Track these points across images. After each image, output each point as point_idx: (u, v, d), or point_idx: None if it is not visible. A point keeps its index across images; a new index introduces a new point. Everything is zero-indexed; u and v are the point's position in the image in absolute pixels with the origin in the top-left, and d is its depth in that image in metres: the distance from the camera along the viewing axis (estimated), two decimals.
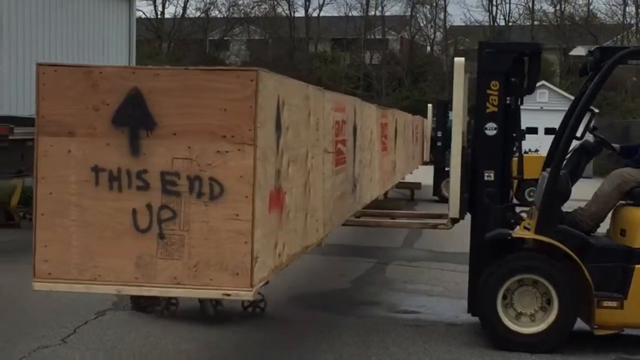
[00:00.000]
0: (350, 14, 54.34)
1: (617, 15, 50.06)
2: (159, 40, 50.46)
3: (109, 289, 4.49)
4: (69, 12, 18.63)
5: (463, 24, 54.38)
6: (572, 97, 8.21)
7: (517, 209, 7.83)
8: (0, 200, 13.51)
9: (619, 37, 44.97)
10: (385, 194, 17.32)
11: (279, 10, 55.37)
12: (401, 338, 7.29)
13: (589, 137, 7.77)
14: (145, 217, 4.37)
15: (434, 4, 53.72)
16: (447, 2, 54.41)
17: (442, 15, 54.92)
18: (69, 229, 4.43)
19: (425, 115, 21.98)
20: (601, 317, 6.90)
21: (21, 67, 16.35)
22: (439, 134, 19.07)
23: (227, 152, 4.30)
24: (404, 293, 9.35)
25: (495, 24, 52.72)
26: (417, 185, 20.30)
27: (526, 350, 6.91)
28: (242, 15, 54.07)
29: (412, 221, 9.83)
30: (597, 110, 30.77)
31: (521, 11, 54.99)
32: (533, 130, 30.29)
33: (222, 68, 4.43)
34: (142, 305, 7.76)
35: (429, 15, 54.97)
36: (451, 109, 8.01)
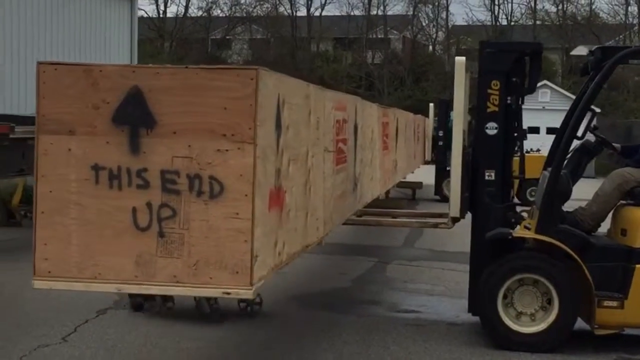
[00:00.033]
0: (352, 14, 54.40)
1: (619, 15, 50.09)
2: (161, 40, 50.49)
3: (108, 288, 4.48)
4: (70, 11, 18.64)
5: (465, 24, 54.42)
6: (574, 97, 8.20)
7: (518, 209, 7.84)
8: (2, 199, 13.52)
9: (621, 36, 44.92)
10: (387, 193, 17.34)
11: (281, 9, 55.46)
12: (401, 337, 7.29)
13: (590, 136, 7.77)
14: (145, 215, 4.36)
15: (436, 4, 53.78)
16: (449, 2, 54.44)
17: (444, 15, 55.02)
18: (69, 227, 4.43)
19: (427, 115, 21.98)
20: (602, 316, 6.90)
21: (23, 66, 16.36)
22: (441, 133, 19.08)
23: (227, 150, 4.30)
24: (404, 292, 9.36)
25: (498, 24, 52.71)
26: (419, 185, 20.31)
27: (527, 349, 6.91)
28: (244, 15, 54.12)
29: (412, 220, 9.83)
30: (598, 110, 30.76)
31: (523, 11, 55.03)
32: (535, 130, 30.30)
33: (222, 67, 4.42)
34: (139, 303, 7.76)
35: (431, 15, 55.04)
36: (452, 109, 8.00)
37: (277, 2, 54.97)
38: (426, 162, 20.83)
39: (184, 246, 4.34)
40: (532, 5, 52.55)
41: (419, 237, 13.54)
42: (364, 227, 12.14)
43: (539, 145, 24.10)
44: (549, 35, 48.62)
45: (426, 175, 20.44)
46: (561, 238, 6.94)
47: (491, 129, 7.37)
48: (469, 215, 7.68)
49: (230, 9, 53.92)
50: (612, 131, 30.28)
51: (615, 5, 50.22)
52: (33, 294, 7.86)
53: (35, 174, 4.46)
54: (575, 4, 51.22)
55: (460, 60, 7.53)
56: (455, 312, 8.26)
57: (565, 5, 50.78)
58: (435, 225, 8.73)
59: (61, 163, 4.43)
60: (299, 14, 55.09)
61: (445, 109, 18.85)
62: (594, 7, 51.99)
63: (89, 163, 4.41)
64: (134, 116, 4.36)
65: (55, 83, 4.41)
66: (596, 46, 7.88)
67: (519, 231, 7.31)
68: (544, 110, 31.37)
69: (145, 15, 49.14)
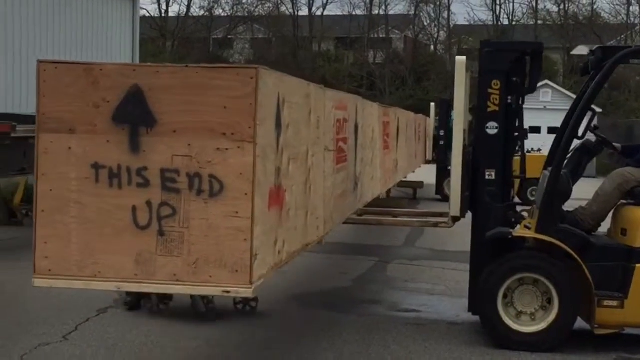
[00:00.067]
0: (354, 13, 54.39)
1: (620, 14, 50.04)
2: (162, 39, 50.50)
3: (108, 286, 4.49)
4: (72, 10, 18.65)
5: (467, 23, 54.39)
6: (575, 97, 8.20)
7: (519, 208, 7.84)
8: (4, 198, 13.54)
9: (622, 36, 44.89)
10: (388, 192, 17.35)
11: (283, 9, 55.46)
12: (402, 336, 7.30)
13: (591, 136, 7.77)
14: (145, 214, 4.37)
15: (438, 3, 53.77)
16: (450, 1, 54.32)
17: (445, 15, 55.01)
18: (69, 226, 4.44)
19: (428, 115, 21.99)
20: (602, 316, 6.90)
21: (25, 65, 16.37)
22: (442, 132, 19.07)
23: (227, 149, 4.30)
24: (405, 292, 9.36)
25: (499, 23, 52.69)
26: (420, 184, 20.32)
27: (527, 349, 6.91)
28: (246, 14, 54.09)
29: (413, 219, 9.83)
30: (600, 110, 30.73)
31: (525, 10, 55.13)
32: (536, 130, 30.32)
33: (222, 65, 4.43)
34: (135, 303, 7.77)
35: (432, 15, 55.03)
36: (454, 108, 8.01)
37: (279, 2, 55.02)
38: (427, 162, 20.83)
39: (184, 245, 4.35)
40: (534, 5, 52.56)
41: (419, 236, 13.55)
42: (364, 227, 12.15)
43: (540, 145, 24.10)
44: (551, 35, 48.59)
45: (427, 174, 20.44)
46: (561, 238, 6.95)
47: (491, 128, 7.37)
48: (469, 215, 7.68)
49: (232, 8, 53.95)
50: (613, 131, 30.27)
51: (617, 5, 50.22)
52: (34, 293, 7.88)
53: (35, 172, 4.47)
54: (576, 3, 51.22)
55: (460, 59, 7.53)
56: (455, 311, 8.26)
57: (566, 5, 50.76)
58: (436, 225, 8.73)
59: (61, 162, 4.44)
60: (300, 13, 55.17)
61: (446, 108, 18.84)
62: (595, 7, 52.02)
63: (89, 162, 4.42)
64: (134, 115, 4.37)
65: (56, 82, 4.42)
66: (597, 46, 7.89)
67: (519, 231, 7.31)
68: (545, 110, 31.37)
69: (147, 15, 49.19)
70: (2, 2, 16.31)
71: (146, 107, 4.36)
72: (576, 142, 7.50)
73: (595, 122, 7.69)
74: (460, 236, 9.76)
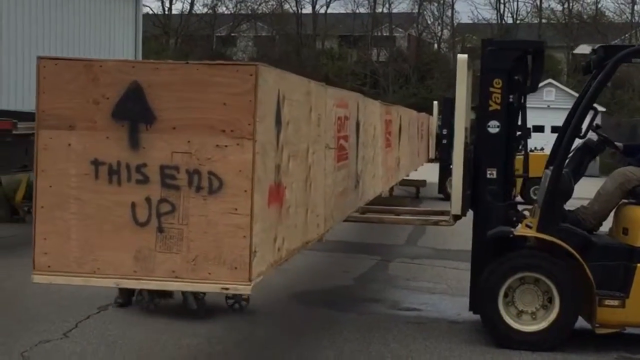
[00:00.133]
0: (357, 11, 54.37)
1: (625, 13, 49.95)
2: (166, 36, 50.54)
3: (107, 282, 4.49)
4: (74, 8, 18.67)
5: (470, 22, 54.38)
6: None
7: (521, 207, 7.83)
8: (5, 195, 13.54)
9: (627, 35, 44.83)
10: (391, 191, 17.33)
11: (286, 6, 55.45)
12: (402, 335, 7.29)
13: (592, 135, 7.75)
14: (145, 210, 4.37)
15: (442, 2, 53.74)
16: (454, 0, 54.38)
17: (449, 13, 54.98)
18: (69, 222, 4.44)
19: (431, 113, 21.96)
20: (603, 315, 6.89)
21: (27, 63, 16.38)
22: (445, 131, 19.01)
23: (226, 146, 4.30)
24: (406, 290, 9.35)
25: (503, 22, 52.65)
26: (422, 183, 20.30)
27: (527, 348, 6.90)
28: (249, 12, 54.11)
29: (414, 218, 9.81)
30: (604, 109, 30.73)
31: (529, 9, 55.03)
32: (539, 129, 30.31)
33: (222, 62, 4.42)
34: (125, 300, 7.77)
35: (436, 13, 55.01)
36: None
37: (283, 0, 55.02)
38: (430, 160, 20.80)
39: (183, 241, 4.34)
40: (538, 3, 52.51)
41: (421, 235, 13.54)
42: (366, 225, 12.14)
43: (543, 144, 24.07)
44: (555, 34, 48.56)
45: (430, 173, 20.43)
46: (562, 237, 6.93)
47: (493, 127, 7.35)
48: (471, 213, 7.67)
49: (236, 6, 53.96)
50: (617, 130, 30.28)
51: (622, 4, 50.12)
52: (34, 290, 7.88)
53: (35, 168, 4.47)
54: (581, 2, 51.19)
55: (462, 57, 7.51)
56: (456, 310, 8.25)
57: (571, 4, 50.71)
58: (437, 223, 8.71)
59: (61, 158, 4.43)
60: (304, 11, 55.19)
61: (449, 106, 18.70)
62: (599, 5, 51.91)
63: (89, 158, 4.41)
64: (134, 111, 4.36)
65: (56, 78, 4.42)
66: (599, 45, 7.87)
67: (520, 230, 7.30)
68: (549, 109, 31.35)
69: (151, 12, 49.20)
70: (5, 0, 16.32)
71: (146, 104, 4.35)
72: (578, 141, 7.49)
73: (597, 121, 7.67)
74: (462, 235, 9.74)
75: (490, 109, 7.33)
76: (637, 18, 48.84)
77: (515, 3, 61.11)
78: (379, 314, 8.13)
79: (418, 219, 9.69)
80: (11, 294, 8.40)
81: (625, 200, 7.33)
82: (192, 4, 53.66)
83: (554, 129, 28.85)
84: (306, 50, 52.18)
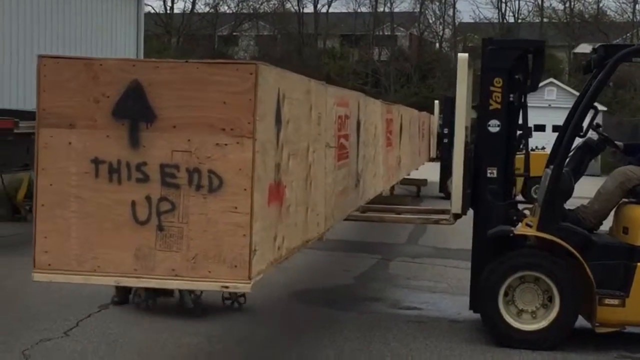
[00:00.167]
0: (359, 10, 54.39)
1: (627, 12, 49.95)
2: (167, 36, 50.55)
3: (108, 281, 4.50)
4: (76, 7, 18.67)
5: (472, 21, 54.39)
6: None
7: (521, 206, 7.83)
8: (7, 194, 13.56)
9: (628, 34, 44.80)
10: (392, 190, 17.32)
11: (288, 6, 55.48)
12: (402, 334, 7.30)
13: (593, 134, 7.75)
14: (145, 209, 4.37)
15: (443, 1, 53.72)
16: None
17: (451, 12, 54.99)
18: (69, 221, 4.44)
19: (433, 112, 21.96)
20: (603, 314, 6.89)
21: (29, 62, 16.38)
22: (446, 130, 18.98)
23: (226, 145, 4.30)
24: (407, 289, 9.35)
25: (505, 21, 52.64)
26: (423, 182, 20.29)
27: (527, 347, 6.91)
28: (251, 11, 54.12)
29: (414, 216, 9.82)
30: (605, 108, 30.72)
31: (530, 8, 55.04)
32: (540, 128, 30.31)
33: (222, 61, 4.42)
34: (121, 298, 7.78)
35: (437, 12, 55.01)
36: None
37: None
38: (431, 159, 20.80)
39: (183, 240, 4.35)
40: (539, 2, 52.49)
41: (422, 234, 13.54)
42: (367, 224, 12.15)
43: (544, 143, 24.07)
44: (556, 33, 48.57)
45: (431, 172, 20.42)
46: (563, 236, 6.94)
47: (493, 126, 7.35)
48: (471, 212, 7.67)
49: (237, 5, 53.97)
50: (618, 129, 30.24)
51: (623, 3, 50.09)
52: (35, 288, 7.90)
53: (35, 167, 4.47)
54: (582, 1, 51.19)
55: (462, 56, 7.51)
56: (457, 309, 8.26)
57: (572, 3, 50.70)
58: (437, 222, 8.72)
59: (61, 156, 4.44)
60: (305, 10, 55.20)
61: (450, 106, 18.70)
62: (601, 4, 51.85)
63: (89, 156, 4.42)
64: (134, 110, 4.37)
65: (56, 76, 4.42)
66: (599, 44, 7.87)
67: (520, 229, 7.31)
68: (550, 108, 31.34)
69: (152, 11, 49.23)
70: (7, 0, 16.33)
71: (146, 102, 4.36)
72: (578, 141, 7.49)
73: (597, 120, 7.67)
74: (463, 234, 9.74)
75: (491, 108, 7.34)
76: (638, 17, 48.83)
77: (517, 2, 60.98)
78: (379, 312, 8.14)
79: (419, 218, 9.70)
80: (12, 292, 8.41)
81: (626, 200, 7.33)
82: (193, 3, 53.70)
83: (555, 128, 28.82)
84: (308, 49, 52.19)
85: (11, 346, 6.54)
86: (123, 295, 7.79)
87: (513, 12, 54.05)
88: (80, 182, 4.43)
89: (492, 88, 7.30)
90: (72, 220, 4.44)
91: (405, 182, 18.41)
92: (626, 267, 6.94)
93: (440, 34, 55.33)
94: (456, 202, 7.47)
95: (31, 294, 8.09)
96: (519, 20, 52.62)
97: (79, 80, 4.41)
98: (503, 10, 53.14)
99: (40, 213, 4.47)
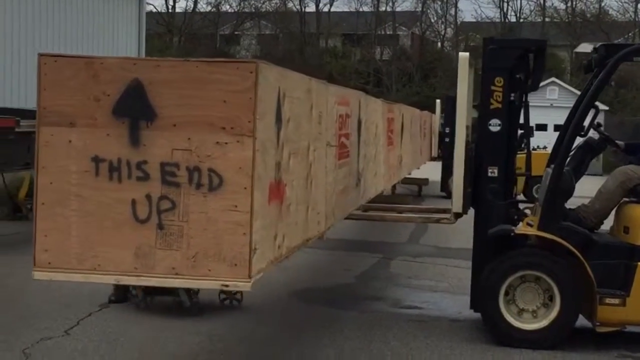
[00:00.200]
0: (361, 10, 54.41)
1: (628, 12, 49.93)
2: (169, 35, 50.57)
3: (108, 279, 4.50)
4: (77, 6, 18.68)
5: (474, 20, 54.37)
6: None
7: (522, 206, 7.82)
8: (9, 192, 13.56)
9: (630, 34, 44.77)
10: (393, 189, 17.33)
11: (290, 5, 55.50)
12: (403, 333, 7.30)
13: (594, 134, 7.75)
14: (145, 207, 4.37)
15: (445, 0, 53.68)
16: None
17: (452, 12, 55.02)
18: (69, 219, 4.44)
19: (434, 111, 21.97)
20: (603, 314, 6.89)
21: (30, 61, 16.37)
22: (447, 129, 19.01)
23: (226, 143, 4.30)
24: (408, 288, 9.35)
25: (506, 21, 52.63)
26: (425, 181, 20.29)
27: (528, 346, 6.90)
28: (253, 10, 54.14)
29: (415, 215, 9.82)
30: (606, 108, 30.69)
31: (532, 7, 55.03)
32: (542, 127, 30.28)
33: (222, 60, 4.42)
34: (119, 297, 7.78)
35: (439, 11, 55.05)
36: None
37: None
38: (433, 159, 20.80)
39: (183, 238, 4.35)
40: (541, 2, 52.49)
41: (423, 233, 13.54)
42: (369, 223, 12.15)
43: (546, 142, 24.06)
44: (558, 33, 48.56)
45: (432, 172, 20.43)
46: (563, 235, 6.94)
47: (494, 125, 7.35)
48: (472, 211, 7.67)
49: (239, 4, 54.03)
50: (620, 129, 30.20)
51: (625, 2, 50.08)
52: (36, 287, 7.90)
53: (35, 165, 4.47)
54: (584, 1, 51.14)
55: (463, 55, 7.51)
56: (457, 308, 8.26)
57: (574, 3, 50.68)
58: (438, 221, 8.72)
59: (62, 155, 4.44)
60: (307, 9, 55.22)
61: (452, 105, 18.70)
62: (603, 4, 51.92)
63: (89, 155, 4.41)
64: (134, 109, 4.37)
65: (56, 75, 4.42)
66: (600, 43, 7.86)
67: (521, 228, 7.31)
68: (552, 107, 31.32)
69: (154, 10, 49.26)
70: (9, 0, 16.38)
71: (146, 101, 4.35)
72: (579, 140, 7.49)
73: (599, 119, 7.67)
74: (464, 233, 9.73)
75: (492, 107, 7.33)
76: None
77: (519, 1, 61.20)
78: (380, 312, 8.14)
79: (419, 217, 9.70)
80: (13, 291, 8.41)
81: (626, 199, 7.33)
82: (195, 2, 53.62)
83: (557, 128, 28.70)
84: (310, 48, 52.21)
85: (12, 345, 6.54)
86: (121, 294, 7.79)
87: (515, 12, 54.25)
88: (81, 180, 4.43)
89: (493, 87, 7.30)
90: (72, 218, 4.44)
91: (407, 181, 18.42)
92: (627, 266, 6.94)
93: (442, 33, 55.39)
94: (457, 201, 7.48)
95: (32, 292, 8.10)
96: (521, 20, 52.64)
97: (79, 78, 4.41)
98: (505, 9, 53.24)
99: (40, 211, 4.47)
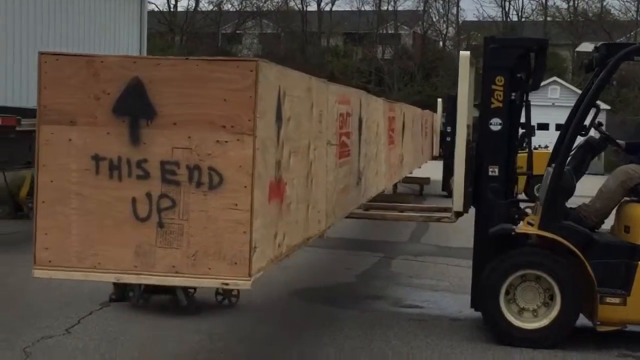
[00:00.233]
0: (362, 9, 54.40)
1: (630, 11, 49.90)
2: (171, 34, 50.59)
3: (108, 277, 4.50)
4: (79, 5, 18.68)
5: (476, 20, 54.39)
6: None
7: (523, 205, 7.82)
8: (10, 191, 13.57)
9: (632, 33, 44.74)
10: (395, 188, 17.33)
11: (292, 4, 55.52)
12: (404, 332, 7.30)
13: (595, 133, 7.75)
14: (145, 206, 4.37)
15: None
16: None
17: (454, 11, 55.04)
18: (70, 217, 4.43)
19: (436, 111, 21.96)
20: (604, 313, 6.89)
21: (32, 61, 16.35)
22: (449, 129, 19.01)
23: (226, 142, 4.29)
24: (409, 287, 9.36)
25: (508, 20, 52.63)
26: (426, 181, 20.29)
27: (528, 345, 6.90)
28: (255, 9, 54.15)
29: (416, 214, 9.82)
30: (608, 107, 30.66)
31: (534, 7, 55.06)
32: (544, 127, 30.26)
33: (222, 58, 4.41)
34: (119, 296, 7.79)
35: (441, 11, 55.05)
36: None
37: None
38: (434, 158, 20.81)
39: (183, 237, 4.34)
40: (543, 1, 52.46)
41: (425, 232, 13.54)
42: (369, 222, 12.15)
43: (547, 141, 24.05)
44: (560, 32, 48.54)
45: (434, 171, 20.43)
46: (564, 234, 6.94)
47: (495, 124, 7.35)
48: (473, 210, 7.67)
49: (241, 3, 54.04)
50: (622, 128, 30.19)
51: (627, 2, 50.05)
52: (37, 286, 7.90)
53: (36, 163, 4.47)
54: (586, 0, 51.12)
55: (464, 54, 7.51)
56: (458, 307, 8.26)
57: (576, 2, 50.67)
58: (439, 220, 8.72)
59: (62, 153, 4.43)
60: (309, 8, 55.21)
61: (453, 104, 18.72)
62: (605, 3, 51.86)
63: (90, 153, 4.41)
64: (135, 107, 4.36)
65: (57, 73, 4.42)
66: (601, 42, 7.86)
67: (522, 227, 7.31)
68: (554, 106, 31.28)
69: (156, 9, 49.29)
70: None
71: (146, 99, 4.35)
72: (580, 139, 7.48)
73: (600, 118, 7.66)
74: (465, 232, 9.73)
75: (493, 106, 7.33)
76: None
77: (521, 1, 61.08)
78: (380, 311, 8.14)
79: (420, 216, 9.70)
80: (14, 290, 8.42)
81: (627, 198, 7.33)
82: (197, 1, 53.68)
83: (559, 127, 28.69)
84: (311, 47, 52.22)
85: (12, 343, 6.55)
86: (121, 293, 7.79)
87: (517, 11, 54.28)
88: (81, 178, 4.42)
89: (493, 86, 7.30)
90: (72, 217, 4.44)
91: (408, 180, 18.41)
92: (627, 265, 6.94)
93: (444, 32, 55.37)
94: (458, 200, 7.48)
95: (33, 291, 8.11)
96: (523, 19, 52.62)
97: (79, 77, 4.40)
98: (507, 8, 53.22)
99: (40, 210, 4.47)
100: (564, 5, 51.45)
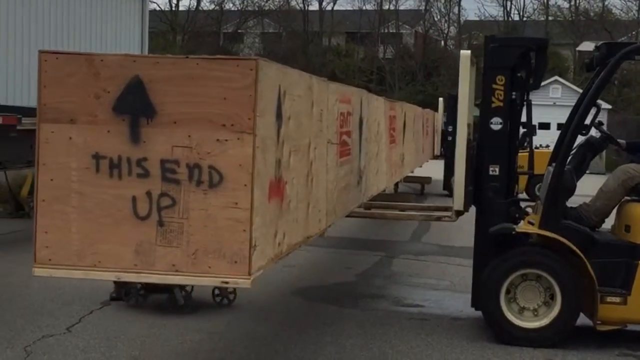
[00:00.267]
0: (364, 8, 54.41)
1: (632, 11, 49.86)
2: (173, 33, 50.59)
3: (108, 276, 4.50)
4: (80, 5, 18.68)
5: (477, 19, 54.37)
6: None
7: (524, 204, 7.82)
8: (11, 190, 13.57)
9: (633, 32, 44.71)
10: (396, 188, 17.32)
11: (293, 3, 55.52)
12: (404, 331, 7.30)
13: (595, 132, 7.74)
14: (145, 204, 4.37)
15: None
16: None
17: (456, 10, 55.06)
18: (70, 216, 4.44)
19: (437, 110, 21.96)
20: (604, 312, 6.89)
21: (33, 59, 16.37)
22: (450, 128, 19.01)
23: (226, 140, 4.30)
24: (409, 287, 9.36)
25: (510, 19, 52.61)
26: (428, 180, 20.27)
27: (529, 344, 6.91)
28: (256, 8, 54.14)
29: (417, 213, 9.82)
30: (610, 107, 30.65)
31: (535, 6, 54.99)
32: (545, 126, 30.24)
33: (222, 57, 4.42)
34: (119, 294, 7.79)
35: (443, 10, 55.05)
36: None
37: None
38: (435, 157, 20.81)
39: (183, 235, 4.35)
40: (545, 0, 52.42)
41: (426, 231, 13.54)
42: (370, 221, 12.16)
43: (549, 141, 24.04)
44: (561, 31, 48.53)
45: (435, 170, 20.42)
46: (565, 234, 6.93)
47: (496, 124, 7.35)
48: (474, 210, 7.67)
49: (242, 2, 54.04)
50: (623, 127, 30.18)
51: (628, 1, 50.03)
52: (38, 285, 7.94)
53: (36, 162, 4.48)
54: None
55: (465, 54, 7.51)
56: (459, 306, 8.26)
57: (577, 1, 50.64)
58: (439, 219, 8.72)
59: (62, 152, 4.44)
60: (311, 8, 55.22)
61: (454, 104, 18.72)
62: (606, 3, 51.86)
63: (90, 152, 4.41)
64: (135, 106, 4.36)
65: (57, 72, 4.42)
66: (601, 42, 7.86)
67: (522, 226, 7.30)
68: (555, 106, 31.25)
69: (158, 9, 49.25)
70: None
71: (146, 98, 4.35)
72: (581, 138, 7.48)
73: (601, 118, 7.66)
74: (466, 232, 9.74)
75: (493, 105, 7.33)
76: None
77: (522, 0, 60.98)
78: (381, 310, 8.14)
79: (420, 215, 9.70)
80: (15, 288, 8.42)
81: (628, 198, 7.32)
82: (198, 1, 53.68)
83: (560, 126, 28.69)
84: (313, 46, 52.21)
85: (13, 342, 6.56)
86: (120, 292, 7.79)
87: (518, 10, 54.29)
88: (81, 177, 4.43)
89: (494, 86, 7.30)
90: (72, 215, 4.44)
91: (409, 179, 18.41)
92: (628, 265, 6.94)
93: (446, 31, 55.35)
94: (458, 199, 7.48)
95: (34, 290, 8.12)
96: (524, 18, 52.59)
97: (79, 75, 4.41)
98: (508, 8, 53.18)
99: (40, 208, 4.47)
100: (566, 5, 51.55)
